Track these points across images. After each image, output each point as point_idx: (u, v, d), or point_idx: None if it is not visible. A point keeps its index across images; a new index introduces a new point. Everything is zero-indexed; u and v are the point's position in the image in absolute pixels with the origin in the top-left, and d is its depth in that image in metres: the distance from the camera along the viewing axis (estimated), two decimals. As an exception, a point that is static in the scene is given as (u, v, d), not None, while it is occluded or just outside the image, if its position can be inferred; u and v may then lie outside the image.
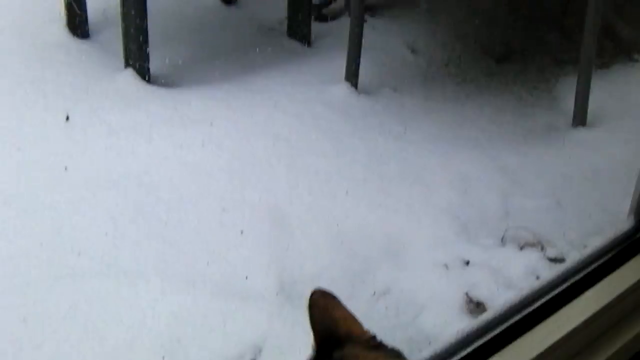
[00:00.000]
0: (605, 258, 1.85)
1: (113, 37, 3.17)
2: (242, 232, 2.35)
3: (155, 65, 3.09)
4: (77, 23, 3.36)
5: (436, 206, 2.52)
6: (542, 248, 2.39)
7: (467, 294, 2.22)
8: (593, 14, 2.87)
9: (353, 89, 3.07)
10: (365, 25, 3.14)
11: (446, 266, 2.31)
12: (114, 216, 2.36)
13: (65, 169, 2.54)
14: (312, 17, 3.50)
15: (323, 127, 2.85)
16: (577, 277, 1.77)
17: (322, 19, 3.65)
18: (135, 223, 2.34)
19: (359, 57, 3.06)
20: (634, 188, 1.99)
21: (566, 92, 3.16)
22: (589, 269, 1.80)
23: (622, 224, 1.96)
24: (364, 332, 0.91)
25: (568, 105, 3.05)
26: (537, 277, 2.28)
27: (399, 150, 2.77)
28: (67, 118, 2.35)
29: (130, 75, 3.04)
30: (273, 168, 2.62)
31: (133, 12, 2.99)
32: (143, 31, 3.02)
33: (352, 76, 3.07)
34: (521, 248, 2.39)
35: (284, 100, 3.00)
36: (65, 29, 3.36)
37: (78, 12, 3.34)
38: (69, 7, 3.33)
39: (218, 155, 2.66)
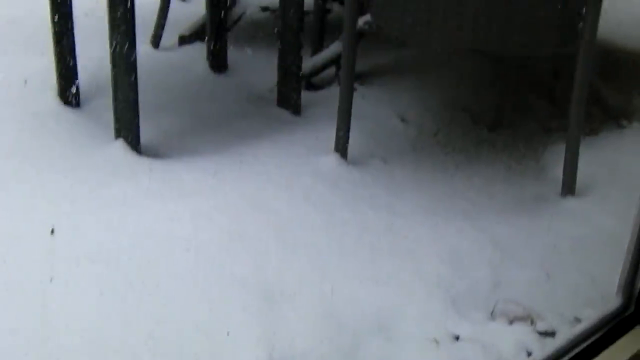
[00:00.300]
0: (594, 337, 1.85)
1: (104, 106, 3.18)
2: (231, 307, 2.35)
3: (145, 136, 3.09)
4: (69, 92, 3.38)
5: (426, 280, 2.52)
6: (532, 322, 2.39)
7: (457, 370, 2.22)
8: (581, 81, 2.88)
9: (343, 160, 3.08)
10: (354, 94, 3.15)
11: (436, 341, 2.31)
12: (104, 292, 2.35)
13: (55, 243, 2.55)
14: (302, 85, 3.52)
15: (313, 199, 2.86)
16: (566, 358, 1.78)
17: (312, 87, 3.66)
18: (125, 299, 2.33)
19: (348, 127, 3.07)
20: (622, 265, 2.00)
21: (555, 161, 3.16)
22: (578, 350, 1.81)
23: (611, 298, 1.97)
24: None
25: (557, 174, 3.05)
26: (528, 352, 2.28)
27: (389, 223, 2.77)
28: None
29: (120, 146, 3.04)
30: (262, 242, 2.62)
31: (124, 84, 3.01)
32: (134, 102, 3.03)
33: (341, 147, 3.08)
34: (511, 322, 2.39)
35: (274, 171, 3.01)
36: (57, 98, 3.38)
37: (70, 81, 3.36)
38: (60, 76, 3.36)
39: (207, 229, 2.66)
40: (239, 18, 4.31)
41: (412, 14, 2.80)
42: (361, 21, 2.89)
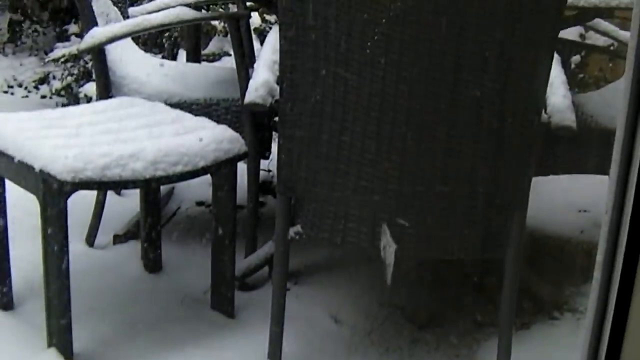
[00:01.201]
0: None
1: (38, 309, 3.15)
2: None
3: (79, 342, 3.07)
4: (1, 295, 3.36)
5: None
6: None
7: None
8: (510, 280, 2.92)
9: (275, 367, 3.07)
10: (288, 293, 3.14)
11: None
12: None
13: None
14: (236, 286, 3.52)
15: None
16: None
17: (246, 288, 3.67)
18: None
19: (281, 333, 3.06)
20: None
21: (488, 358, 3.17)
22: None
23: None
24: None
25: (491, 372, 3.07)
26: None
27: None
28: None
29: (53, 354, 3.01)
30: None
31: (56, 290, 2.99)
32: (66, 310, 3.01)
33: (275, 353, 3.06)
34: None
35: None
36: (-11, 299, 3.37)
37: (2, 282, 3.35)
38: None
39: None
40: (174, 214, 4.36)
41: (341, 227, 2.86)
42: (292, 231, 2.94)
